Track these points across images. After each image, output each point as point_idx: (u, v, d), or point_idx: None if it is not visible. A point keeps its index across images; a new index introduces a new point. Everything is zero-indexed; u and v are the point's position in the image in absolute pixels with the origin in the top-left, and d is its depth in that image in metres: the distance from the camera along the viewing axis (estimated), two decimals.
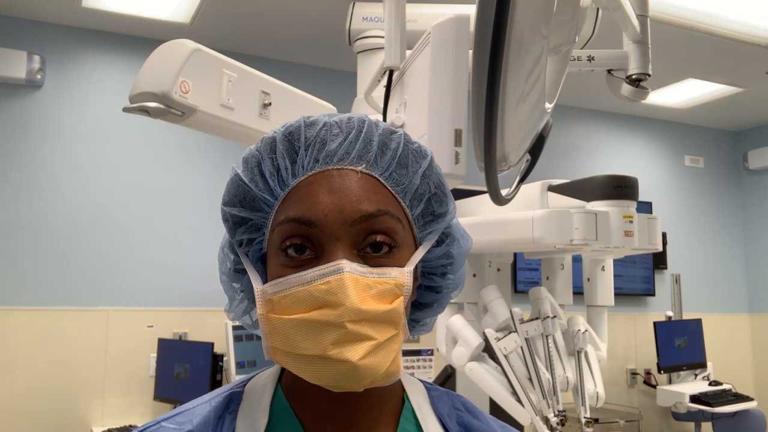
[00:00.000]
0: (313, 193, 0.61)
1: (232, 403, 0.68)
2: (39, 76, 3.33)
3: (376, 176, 0.64)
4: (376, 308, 0.59)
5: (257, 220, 0.65)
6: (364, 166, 0.63)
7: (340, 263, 0.59)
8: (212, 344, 3.18)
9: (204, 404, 0.68)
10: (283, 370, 0.70)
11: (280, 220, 0.62)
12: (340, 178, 0.62)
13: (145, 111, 1.57)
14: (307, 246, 0.61)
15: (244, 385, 0.70)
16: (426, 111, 1.39)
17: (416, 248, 0.66)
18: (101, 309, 3.37)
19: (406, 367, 3.14)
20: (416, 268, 0.66)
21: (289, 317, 0.59)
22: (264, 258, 0.66)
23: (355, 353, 0.57)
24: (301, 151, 0.63)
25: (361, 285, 0.59)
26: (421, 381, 0.75)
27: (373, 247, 0.61)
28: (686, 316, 4.70)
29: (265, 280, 0.64)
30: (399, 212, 0.64)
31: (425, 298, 0.70)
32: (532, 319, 2.05)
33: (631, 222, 1.93)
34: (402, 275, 0.62)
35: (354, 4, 2.61)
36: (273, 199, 0.64)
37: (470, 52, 1.10)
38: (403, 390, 0.72)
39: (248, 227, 0.65)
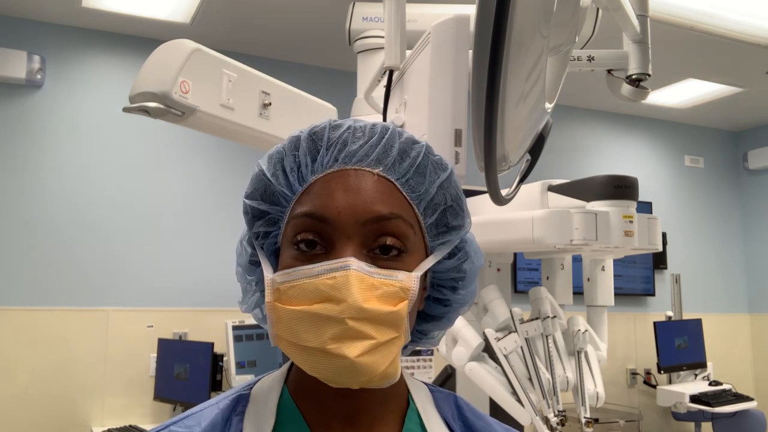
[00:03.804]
0: (329, 191, 0.63)
1: (239, 405, 0.69)
2: (39, 76, 3.33)
3: (393, 180, 0.65)
4: (378, 308, 0.59)
5: (275, 214, 0.66)
6: (381, 169, 0.65)
7: (348, 260, 0.60)
8: (212, 344, 3.18)
9: (212, 407, 0.69)
10: (289, 371, 0.71)
11: (295, 215, 0.64)
12: (356, 178, 0.64)
13: (145, 111, 1.57)
14: (318, 241, 0.62)
15: (251, 388, 0.71)
16: (426, 111, 1.39)
17: (426, 257, 0.66)
18: (101, 309, 3.37)
19: (406, 367, 3.13)
20: (425, 277, 0.66)
21: (293, 308, 0.60)
22: (278, 251, 0.67)
23: (353, 350, 0.58)
24: (323, 150, 0.65)
25: (367, 284, 0.60)
26: (425, 383, 0.76)
27: (383, 249, 0.62)
28: (686, 316, 4.70)
29: (276, 272, 0.65)
30: (412, 218, 0.65)
31: (433, 311, 0.71)
32: (532, 319, 2.05)
33: (631, 222, 1.93)
34: (409, 279, 0.62)
35: (354, 4, 2.61)
36: (291, 193, 0.65)
37: (470, 52, 1.10)
38: (408, 391, 0.72)
39: (266, 220, 0.67)
